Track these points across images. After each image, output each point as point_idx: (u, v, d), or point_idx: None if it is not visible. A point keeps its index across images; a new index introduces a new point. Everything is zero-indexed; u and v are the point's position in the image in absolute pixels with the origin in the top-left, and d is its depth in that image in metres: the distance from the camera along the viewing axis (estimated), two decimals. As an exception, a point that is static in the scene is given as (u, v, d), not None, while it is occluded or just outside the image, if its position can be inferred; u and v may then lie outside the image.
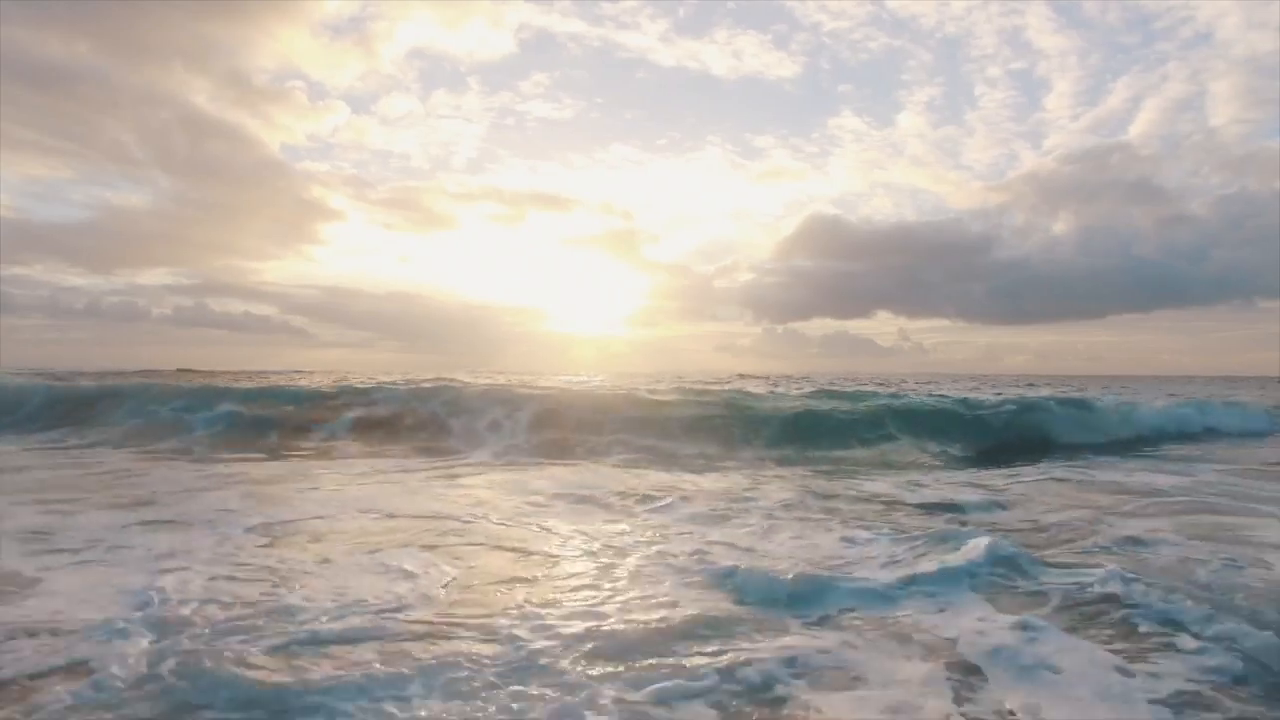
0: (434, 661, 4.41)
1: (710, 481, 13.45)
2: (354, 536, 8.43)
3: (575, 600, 5.92)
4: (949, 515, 10.10)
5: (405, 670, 4.29)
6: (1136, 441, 20.69)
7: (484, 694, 3.96)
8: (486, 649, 4.69)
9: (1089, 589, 6.29)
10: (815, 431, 19.33)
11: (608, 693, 4.03)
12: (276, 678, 4.19)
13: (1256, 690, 4.32)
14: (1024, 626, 5.41)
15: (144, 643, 4.96)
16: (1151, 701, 4.21)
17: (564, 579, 6.74)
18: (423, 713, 3.82)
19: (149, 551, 7.57)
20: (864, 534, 8.63)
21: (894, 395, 25.21)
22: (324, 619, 5.26)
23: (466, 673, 4.28)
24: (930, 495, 11.85)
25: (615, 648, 4.76)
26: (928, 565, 7.05)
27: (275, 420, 21.75)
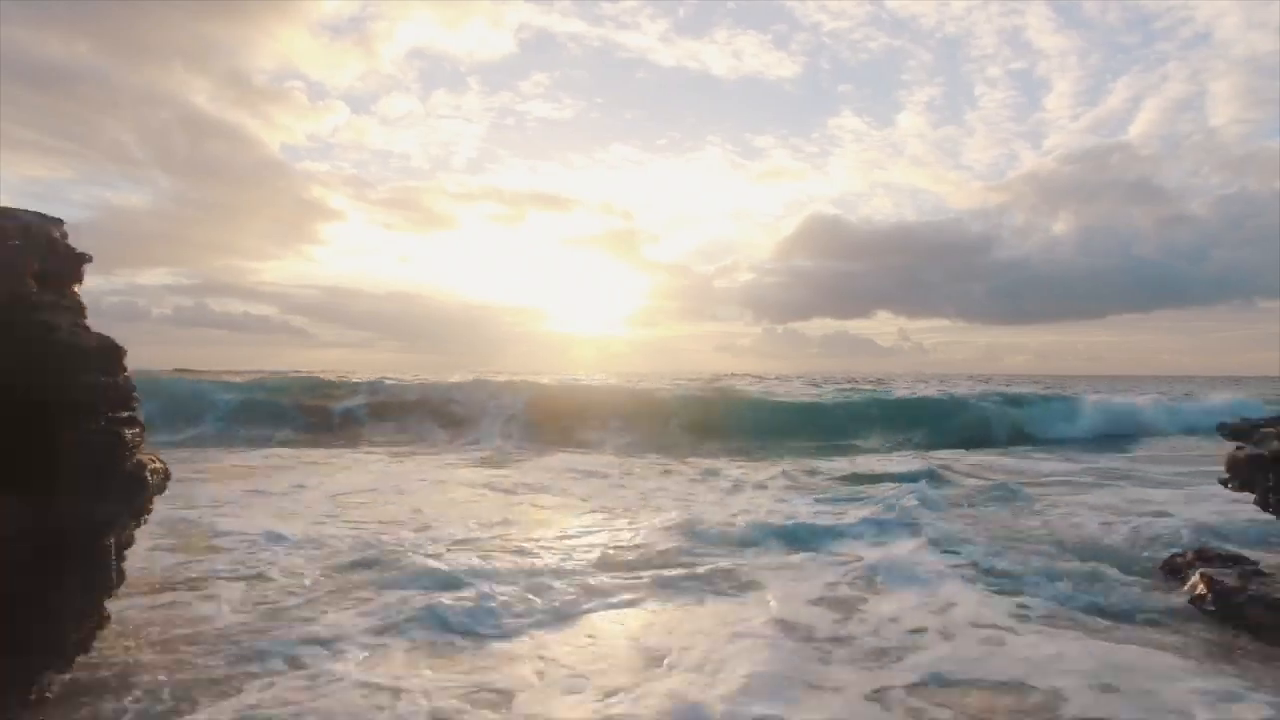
0: (509, 565, 7.09)
1: (688, 462, 16.06)
2: (423, 495, 11.13)
3: (589, 535, 8.60)
4: (874, 484, 12.65)
5: (497, 566, 7.04)
6: (1074, 434, 23.32)
7: (539, 582, 6.65)
8: (537, 560, 7.36)
9: (957, 535, 8.92)
10: (785, 422, 21.91)
11: (609, 582, 6.70)
12: (435, 564, 6.90)
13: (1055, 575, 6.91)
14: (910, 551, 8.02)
15: (309, 551, 7.58)
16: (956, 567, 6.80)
17: (580, 523, 9.40)
18: (508, 589, 6.43)
19: (267, 510, 10.14)
20: (807, 496, 11.28)
21: (867, 392, 27.78)
22: (440, 541, 7.98)
23: (527, 570, 6.94)
24: (871, 469, 14.41)
25: (615, 562, 7.44)
26: (846, 518, 9.67)
27: (300, 410, 24.11)
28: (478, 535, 8.75)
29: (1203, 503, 10.68)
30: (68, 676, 4.64)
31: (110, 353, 4.69)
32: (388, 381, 28.08)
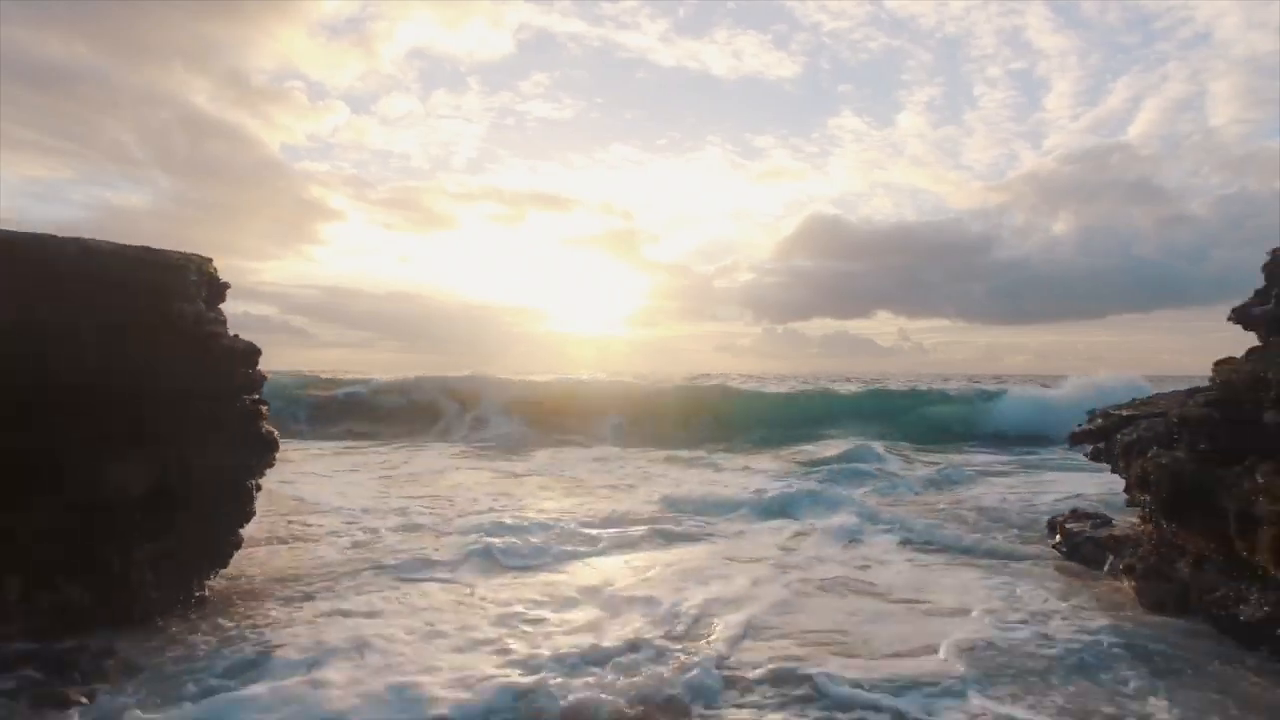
0: (530, 522, 9.10)
1: (674, 452, 18.10)
2: (448, 480, 13.15)
3: (588, 504, 10.62)
4: (830, 466, 14.69)
5: (522, 524, 9.07)
6: (1028, 429, 25.30)
7: (553, 533, 8.66)
8: (550, 520, 9.38)
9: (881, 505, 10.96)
10: (764, 414, 23.93)
11: (605, 534, 8.74)
12: (478, 520, 8.94)
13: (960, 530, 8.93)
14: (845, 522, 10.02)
15: (377, 516, 9.60)
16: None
17: (577, 497, 11.43)
18: (534, 538, 8.45)
19: (342, 488, 12.10)
20: (769, 477, 13.28)
21: (835, 389, 29.74)
22: (477, 510, 10.03)
23: (543, 525, 8.97)
24: (826, 454, 16.43)
25: (608, 521, 9.51)
26: (796, 492, 11.69)
27: (302, 406, 25.98)
28: (504, 505, 10.89)
29: (1103, 484, 12.74)
30: (217, 582, 6.60)
31: (251, 353, 6.66)
32: (384, 379, 29.70)
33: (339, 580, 6.99)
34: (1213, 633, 5.61)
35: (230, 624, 5.87)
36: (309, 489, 11.82)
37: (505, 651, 5.35)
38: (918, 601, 6.64)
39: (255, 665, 5.09)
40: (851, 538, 9.13)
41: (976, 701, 4.57)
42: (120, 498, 5.74)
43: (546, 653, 5.29)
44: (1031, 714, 4.41)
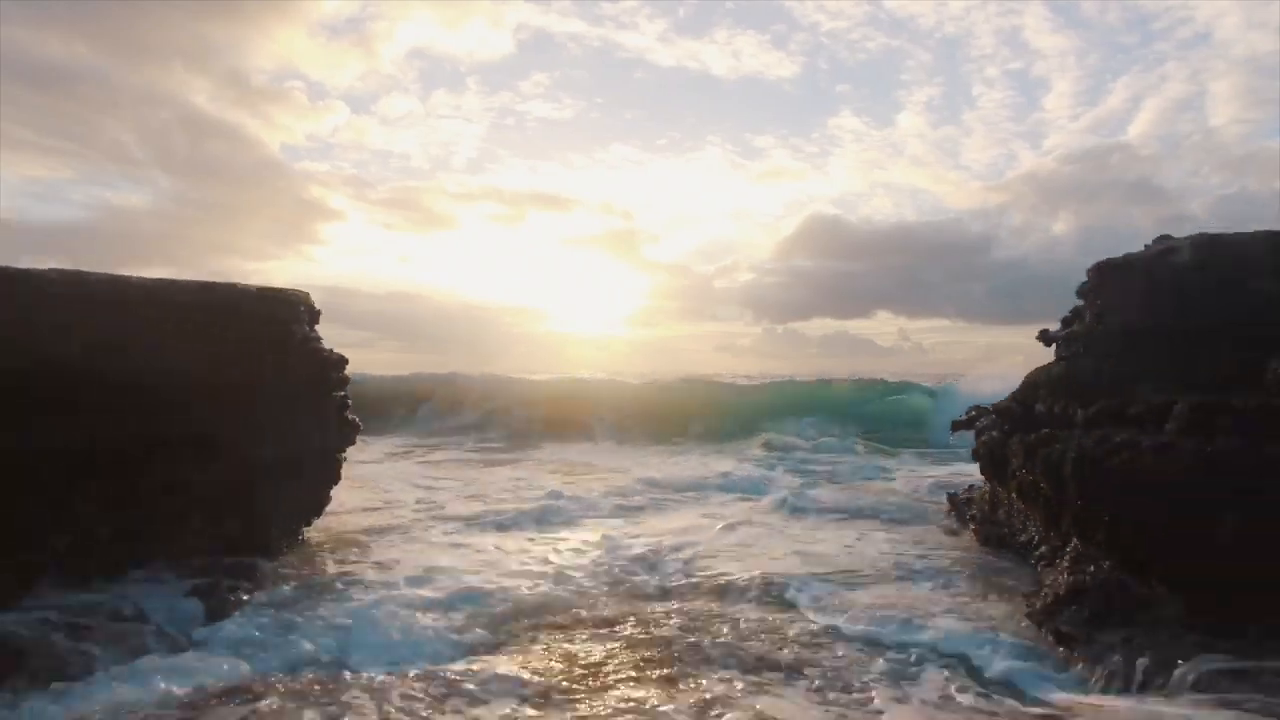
0: (551, 501, 11.65)
1: (655, 440, 20.74)
2: (470, 470, 15.76)
3: (592, 485, 13.23)
4: (781, 452, 17.32)
5: (539, 501, 11.54)
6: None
7: (560, 506, 11.29)
8: (561, 496, 11.94)
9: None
10: (741, 409, 26.50)
11: (610, 503, 11.34)
12: (518, 492, 11.51)
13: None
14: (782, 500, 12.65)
15: (436, 493, 12.19)
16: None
17: (587, 479, 14.08)
18: (576, 497, 11.07)
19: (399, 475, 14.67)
20: (734, 462, 15.92)
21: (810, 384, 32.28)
22: (506, 489, 12.61)
23: (554, 500, 11.55)
24: (783, 444, 19.08)
25: (613, 495, 12.04)
26: (749, 473, 14.31)
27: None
28: (522, 490, 13.45)
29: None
30: (309, 537, 9.16)
31: (340, 361, 9.22)
32: (385, 374, 32.00)
33: (395, 536, 9.53)
34: (1012, 556, 8.22)
35: (330, 555, 8.45)
36: (364, 470, 14.39)
37: (545, 561, 8.13)
38: (811, 543, 9.25)
39: (353, 577, 7.68)
40: (783, 508, 11.71)
41: (814, 588, 7.20)
42: (258, 465, 8.29)
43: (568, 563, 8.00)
44: (840, 589, 7.10)
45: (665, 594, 7.28)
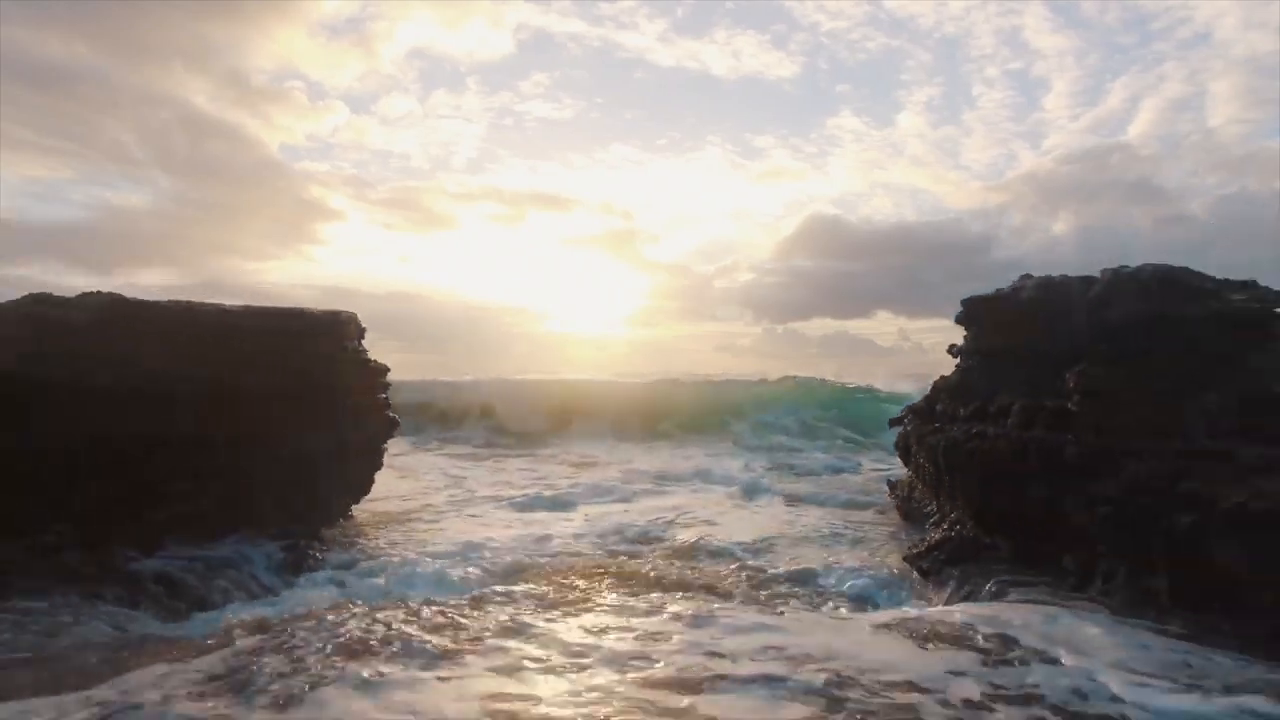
0: (551, 490, 13.78)
1: (649, 435, 22.92)
2: (475, 467, 17.87)
3: (596, 476, 15.39)
4: (760, 446, 19.49)
5: (542, 492, 13.69)
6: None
7: (563, 494, 13.38)
8: (559, 487, 14.09)
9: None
10: (724, 404, 28.65)
11: (610, 490, 13.52)
12: (523, 484, 13.71)
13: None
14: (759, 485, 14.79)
15: (458, 485, 14.34)
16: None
17: (591, 473, 16.25)
18: (575, 485, 13.18)
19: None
20: (716, 456, 18.10)
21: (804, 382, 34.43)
22: (515, 483, 14.73)
23: (557, 488, 13.69)
24: (767, 439, 21.25)
25: (605, 484, 14.18)
26: (728, 466, 16.48)
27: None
28: (536, 479, 15.59)
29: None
30: (358, 513, 11.27)
31: (383, 370, 11.34)
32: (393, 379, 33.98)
33: (425, 516, 11.67)
34: (920, 527, 10.38)
35: (380, 526, 10.59)
36: (399, 462, 16.49)
37: (556, 532, 10.37)
38: (764, 519, 11.41)
39: (401, 540, 9.80)
40: (753, 494, 13.86)
41: (753, 547, 9.35)
42: (319, 453, 10.39)
43: (575, 531, 10.19)
44: (768, 560, 9.26)
45: (642, 553, 9.45)
